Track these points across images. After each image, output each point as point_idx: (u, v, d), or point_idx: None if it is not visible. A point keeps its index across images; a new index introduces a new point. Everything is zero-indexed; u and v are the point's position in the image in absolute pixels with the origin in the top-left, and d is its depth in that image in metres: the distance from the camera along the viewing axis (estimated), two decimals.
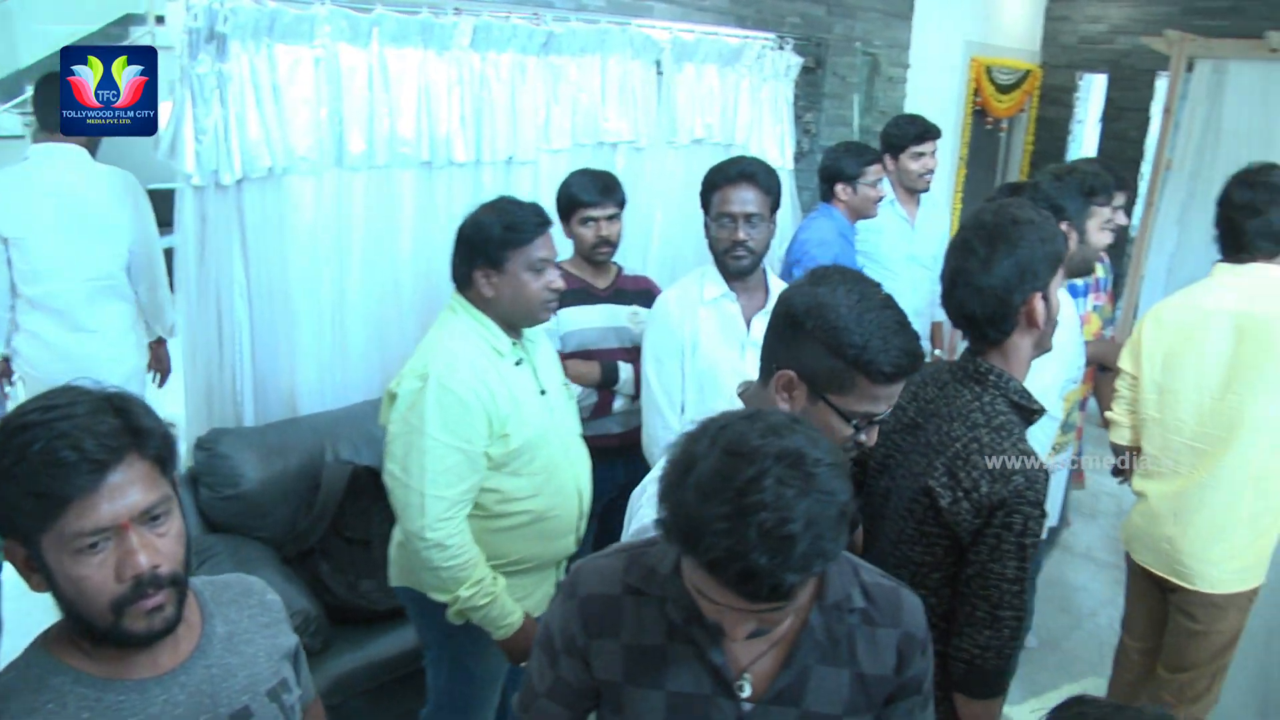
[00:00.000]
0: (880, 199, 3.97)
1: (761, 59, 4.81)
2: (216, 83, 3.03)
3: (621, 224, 3.32)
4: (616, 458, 3.18)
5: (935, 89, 6.41)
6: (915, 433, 1.95)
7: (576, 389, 3.00)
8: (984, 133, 7.41)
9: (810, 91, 5.41)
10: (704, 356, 2.84)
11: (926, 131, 4.21)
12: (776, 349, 1.70)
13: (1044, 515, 1.78)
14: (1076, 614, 4.31)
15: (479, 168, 3.74)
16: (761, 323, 2.80)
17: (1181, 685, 2.90)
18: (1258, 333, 2.66)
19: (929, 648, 1.54)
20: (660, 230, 4.54)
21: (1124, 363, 2.93)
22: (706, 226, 2.88)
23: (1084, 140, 7.92)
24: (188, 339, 3.25)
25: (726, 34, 4.63)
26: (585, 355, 3.23)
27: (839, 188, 3.93)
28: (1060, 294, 1.95)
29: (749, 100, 4.83)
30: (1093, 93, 7.82)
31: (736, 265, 2.83)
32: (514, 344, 2.47)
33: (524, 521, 2.45)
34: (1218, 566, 2.78)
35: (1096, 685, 3.53)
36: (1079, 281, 3.58)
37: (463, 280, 2.46)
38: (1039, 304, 1.86)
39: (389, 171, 3.51)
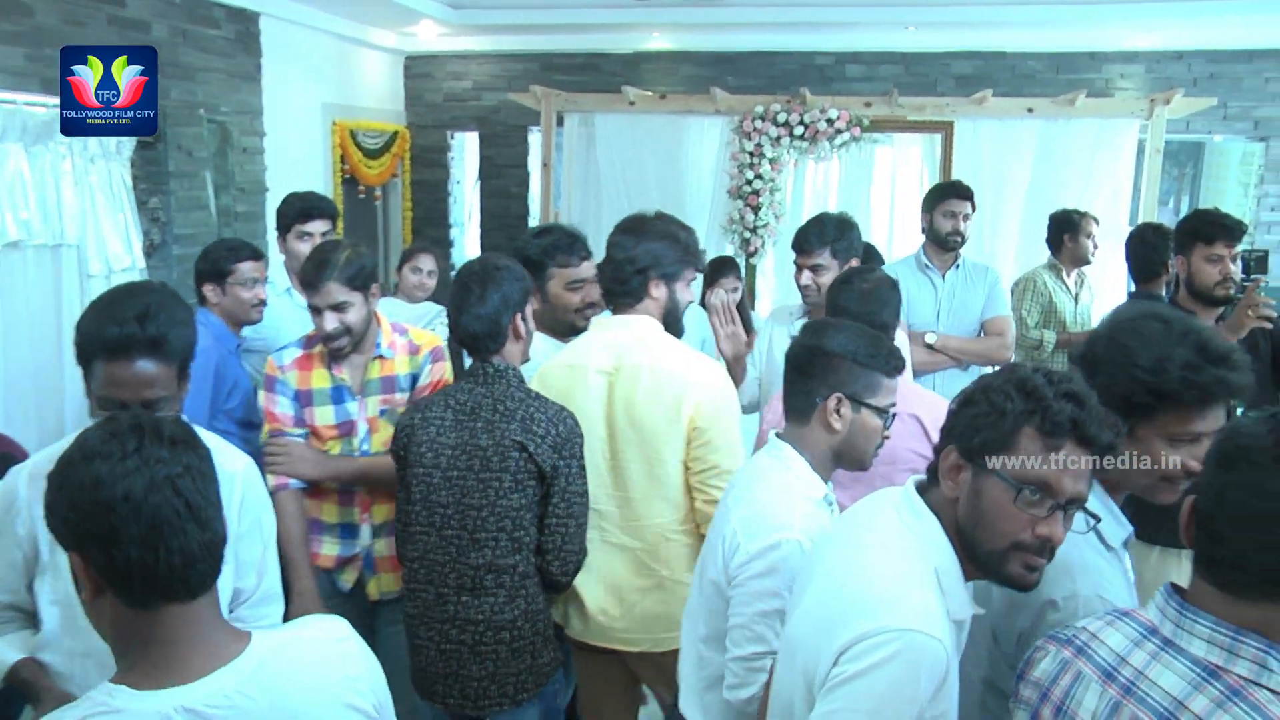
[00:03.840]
0: (257, 301, 3.75)
1: None
2: None
3: None
4: None
5: (298, 158, 6.16)
6: (464, 427, 2.71)
7: None
8: (359, 203, 7.32)
9: (153, 171, 4.89)
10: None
11: (312, 209, 4.07)
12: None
13: (582, 436, 2.73)
14: None
15: None
16: None
17: None
18: (625, 387, 2.81)
19: None
20: None
21: None
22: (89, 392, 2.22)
23: (465, 200, 8.15)
24: None
25: (29, 102, 3.97)
26: None
27: (207, 289, 3.73)
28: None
29: (75, 186, 4.23)
30: (467, 151, 8.09)
31: None
32: None
33: None
34: (649, 629, 2.87)
35: None
36: None
37: None
38: (520, 323, 2.77)
39: None
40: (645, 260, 2.85)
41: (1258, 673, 1.33)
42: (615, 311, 2.93)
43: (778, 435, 2.32)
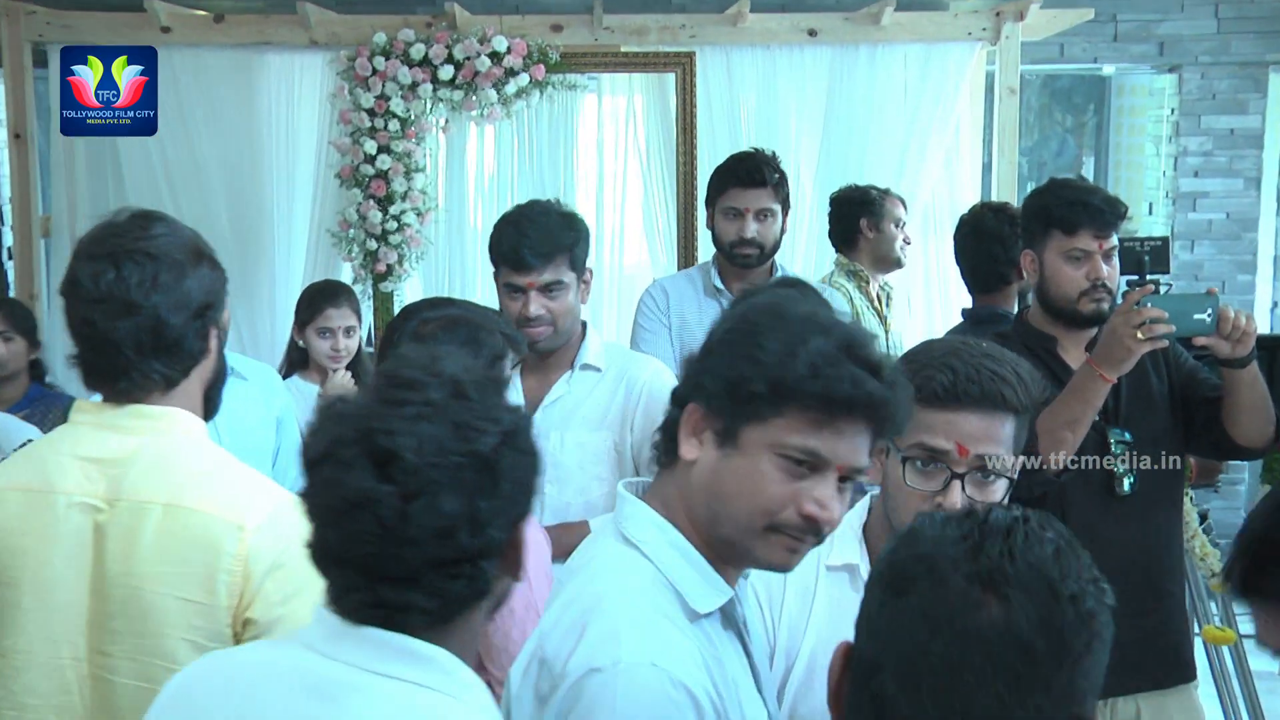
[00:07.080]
0: None
1: None
2: None
3: None
4: None
5: None
6: None
7: None
8: None
9: None
10: None
11: None
12: None
13: None
14: None
15: None
16: None
17: None
18: (123, 539, 2.00)
19: None
20: None
21: None
22: None
23: None
24: None
25: None
26: None
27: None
28: None
29: None
30: None
31: None
32: None
33: None
34: None
35: None
36: None
37: None
38: None
39: None
40: (199, 295, 2.13)
41: None
42: (110, 397, 2.08)
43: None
